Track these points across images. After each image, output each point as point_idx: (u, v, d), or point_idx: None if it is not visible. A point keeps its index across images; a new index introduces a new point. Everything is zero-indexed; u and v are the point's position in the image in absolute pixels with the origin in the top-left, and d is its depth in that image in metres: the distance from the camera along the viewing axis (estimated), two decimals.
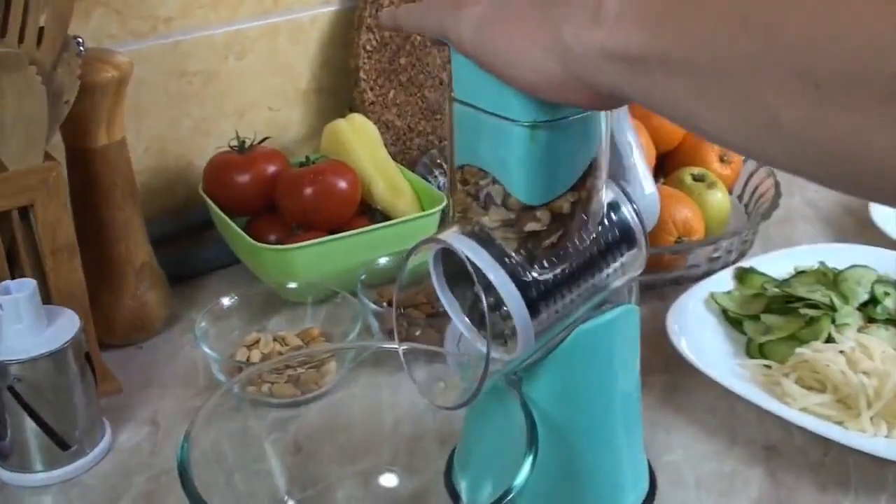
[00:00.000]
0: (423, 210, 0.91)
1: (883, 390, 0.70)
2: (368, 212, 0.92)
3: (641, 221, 0.59)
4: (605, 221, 0.57)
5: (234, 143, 0.92)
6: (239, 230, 0.85)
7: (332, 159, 0.90)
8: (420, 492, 0.66)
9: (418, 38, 1.04)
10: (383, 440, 0.67)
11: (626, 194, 0.58)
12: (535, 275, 0.54)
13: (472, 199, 0.56)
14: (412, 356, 0.60)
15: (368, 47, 1.01)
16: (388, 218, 0.90)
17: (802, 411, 0.71)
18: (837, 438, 0.67)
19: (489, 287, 0.53)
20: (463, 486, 0.64)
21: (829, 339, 0.77)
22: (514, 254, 0.54)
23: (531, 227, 0.54)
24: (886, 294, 0.82)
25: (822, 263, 0.87)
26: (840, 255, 0.88)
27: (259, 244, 0.83)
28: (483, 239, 0.54)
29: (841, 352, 0.74)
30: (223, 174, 0.90)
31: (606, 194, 0.57)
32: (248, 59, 0.99)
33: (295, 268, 0.83)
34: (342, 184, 0.88)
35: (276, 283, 0.83)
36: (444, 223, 0.81)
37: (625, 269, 0.58)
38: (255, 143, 0.93)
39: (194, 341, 0.77)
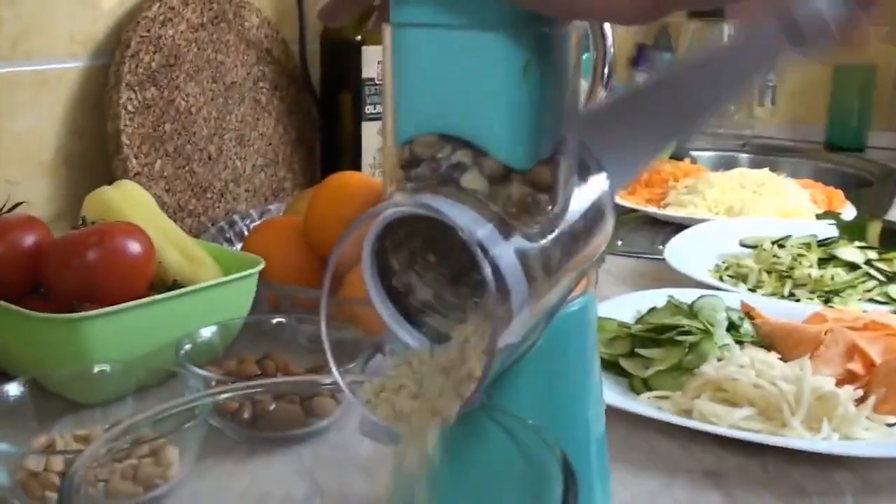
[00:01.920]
0: None
1: (802, 395, 0.65)
2: (161, 289, 0.74)
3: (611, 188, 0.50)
4: (577, 188, 0.48)
5: None
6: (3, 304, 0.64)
7: (116, 221, 0.72)
8: None
9: (183, 101, 0.90)
10: None
11: (592, 156, 0.49)
12: (528, 243, 0.42)
13: (427, 181, 0.44)
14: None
15: (130, 108, 0.85)
16: None
17: (731, 428, 0.64)
18: (790, 445, 0.61)
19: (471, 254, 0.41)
20: None
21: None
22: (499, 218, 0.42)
23: (517, 192, 0.42)
24: (741, 318, 0.80)
25: (671, 297, 0.83)
26: (662, 298, 0.84)
27: (40, 315, 0.62)
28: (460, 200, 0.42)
29: (741, 367, 0.69)
30: None
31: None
32: None
33: (90, 345, 0.63)
34: (134, 247, 0.70)
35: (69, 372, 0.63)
36: None
37: (598, 244, 0.49)
38: (3, 209, 0.72)
39: None
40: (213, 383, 0.64)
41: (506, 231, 0.41)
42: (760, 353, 0.71)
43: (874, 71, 1.89)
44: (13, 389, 0.58)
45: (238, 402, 0.60)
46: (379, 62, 1.02)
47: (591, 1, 0.37)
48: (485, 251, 0.39)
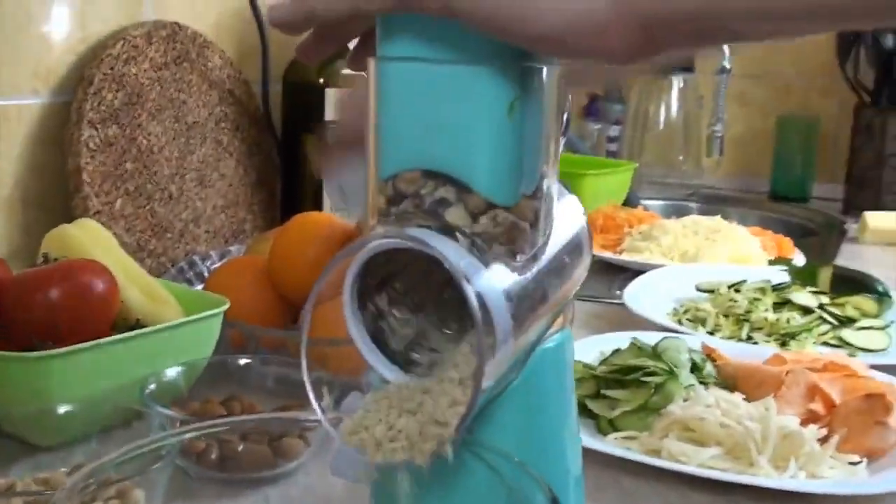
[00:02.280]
0: None
1: (768, 434, 0.66)
2: (123, 328, 0.73)
3: (587, 221, 0.50)
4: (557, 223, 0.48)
5: None
6: None
7: (81, 258, 0.71)
8: None
9: (145, 140, 0.89)
10: None
11: (567, 188, 0.50)
12: (512, 277, 0.43)
13: (411, 216, 0.43)
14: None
15: (91, 145, 0.84)
16: None
17: (700, 467, 0.64)
18: (758, 483, 0.61)
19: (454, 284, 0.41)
20: None
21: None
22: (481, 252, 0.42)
23: (500, 226, 0.43)
24: (703, 360, 0.81)
25: (634, 339, 0.83)
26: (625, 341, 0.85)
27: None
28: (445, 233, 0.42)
29: (707, 406, 0.69)
30: None
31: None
32: None
33: (51, 385, 0.61)
34: (99, 284, 0.68)
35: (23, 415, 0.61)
36: None
37: (576, 278, 0.49)
38: None
39: None
40: (178, 423, 0.63)
41: (490, 264, 0.42)
42: (725, 394, 0.72)
43: (818, 122, 1.94)
44: None
45: (205, 442, 0.59)
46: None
47: (581, 40, 0.38)
48: (470, 283, 0.39)
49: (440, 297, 0.47)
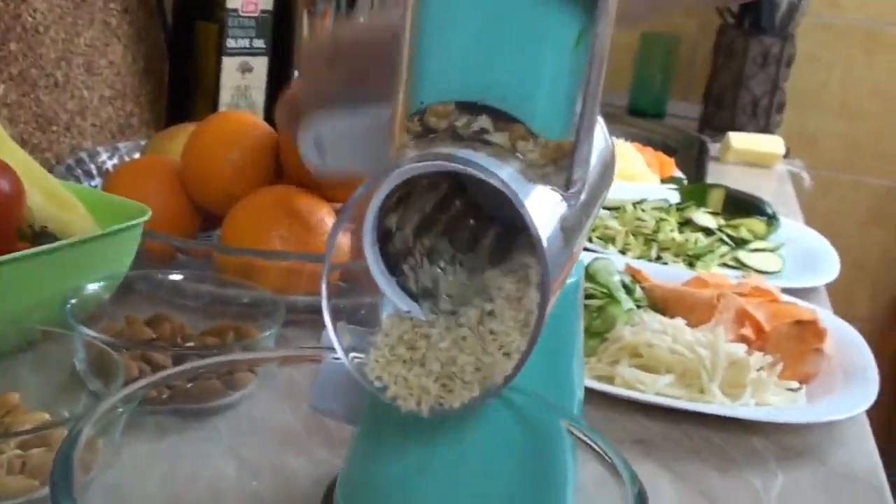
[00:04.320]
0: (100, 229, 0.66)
1: (717, 361, 0.66)
2: (28, 236, 0.64)
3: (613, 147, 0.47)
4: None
5: None
6: None
7: None
8: None
9: (30, 17, 0.78)
10: None
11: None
12: (563, 206, 0.39)
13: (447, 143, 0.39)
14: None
15: None
16: (56, 240, 0.64)
17: (657, 395, 0.64)
18: (723, 413, 0.62)
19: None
20: None
21: None
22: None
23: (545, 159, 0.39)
24: (633, 283, 0.80)
25: None
26: None
27: None
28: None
29: (655, 332, 0.69)
30: None
31: None
32: None
33: None
34: (3, 184, 0.59)
35: None
36: None
37: (604, 199, 0.47)
38: None
39: None
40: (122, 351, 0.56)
41: (544, 192, 0.38)
42: (668, 319, 0.72)
43: (679, 41, 1.98)
44: None
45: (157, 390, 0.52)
46: None
47: None
48: (529, 211, 0.35)
49: (459, 228, 0.43)
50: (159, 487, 0.47)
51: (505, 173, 0.36)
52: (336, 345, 0.40)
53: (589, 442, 0.40)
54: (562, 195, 0.39)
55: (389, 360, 0.39)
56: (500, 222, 0.44)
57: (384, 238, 0.41)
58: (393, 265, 0.42)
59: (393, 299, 0.41)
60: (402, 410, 0.39)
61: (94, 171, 0.84)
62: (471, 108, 0.38)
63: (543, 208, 0.37)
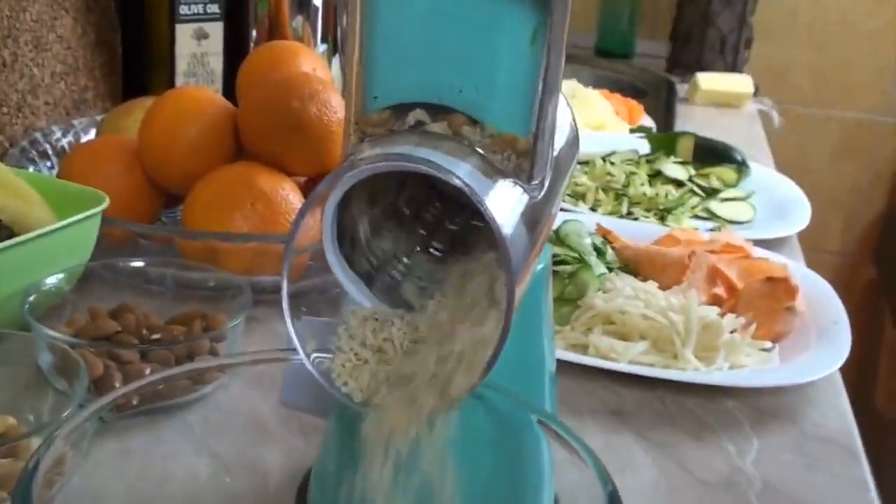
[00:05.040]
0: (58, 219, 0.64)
1: (690, 325, 0.66)
2: None
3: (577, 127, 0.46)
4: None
5: None
6: None
7: None
8: None
9: None
10: None
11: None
12: (525, 199, 0.38)
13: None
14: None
15: None
16: (11, 234, 0.62)
17: (631, 364, 0.64)
18: (698, 381, 0.62)
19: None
20: None
21: None
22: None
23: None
24: (604, 244, 0.80)
25: None
26: None
27: None
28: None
29: (627, 298, 0.68)
30: None
31: None
32: None
33: None
34: None
35: None
36: None
37: (571, 174, 0.46)
38: None
39: None
40: (81, 349, 0.55)
41: (504, 186, 0.37)
42: (640, 283, 0.71)
43: None
44: None
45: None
46: None
47: None
48: (482, 203, 0.34)
49: (436, 218, 0.42)
50: (129, 490, 0.47)
51: (463, 171, 0.35)
52: (298, 348, 0.39)
53: (563, 436, 0.40)
54: (524, 188, 0.38)
55: (356, 365, 0.39)
56: (466, 209, 0.43)
57: (346, 231, 0.40)
58: (356, 262, 0.41)
59: (357, 298, 0.40)
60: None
61: (50, 151, 0.81)
62: (419, 107, 0.37)
63: (505, 204, 0.36)
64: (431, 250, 0.42)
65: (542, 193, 0.39)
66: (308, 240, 0.39)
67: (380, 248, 0.41)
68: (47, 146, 0.81)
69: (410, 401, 0.37)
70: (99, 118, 0.85)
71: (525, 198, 0.38)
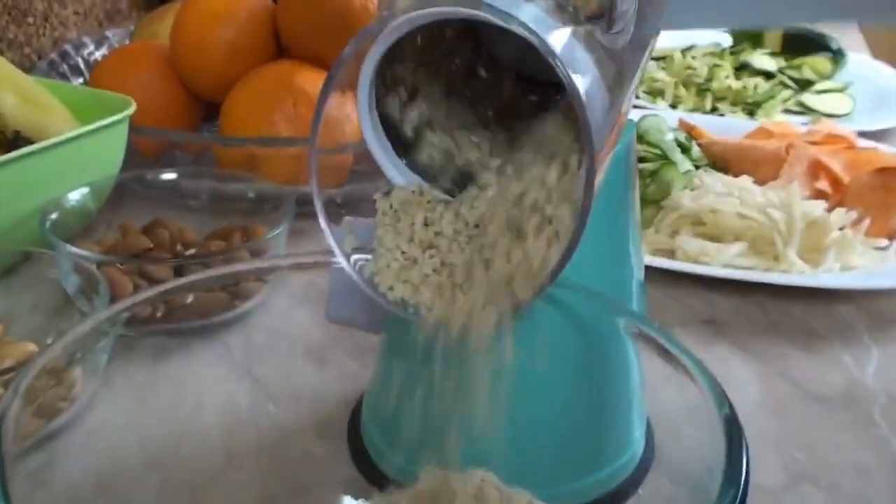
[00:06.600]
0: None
1: (793, 223, 0.58)
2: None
3: None
4: None
5: None
6: None
7: None
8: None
9: None
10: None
11: None
12: (603, 45, 0.30)
13: None
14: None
15: None
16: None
17: (726, 268, 0.56)
18: (802, 283, 0.53)
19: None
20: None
21: None
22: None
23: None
24: (689, 140, 0.71)
25: None
26: None
27: None
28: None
29: (719, 195, 0.60)
30: None
31: None
32: None
33: None
34: None
35: None
36: None
37: (652, 48, 0.38)
38: None
39: None
40: (96, 265, 0.49)
41: (580, 36, 0.29)
42: (732, 179, 0.63)
43: None
44: None
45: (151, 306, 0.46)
46: None
47: None
48: (552, 54, 0.27)
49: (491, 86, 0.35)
50: (158, 422, 0.41)
51: (527, 14, 0.28)
52: (336, 249, 0.32)
53: (668, 347, 0.32)
54: (602, 38, 0.30)
55: (403, 265, 0.32)
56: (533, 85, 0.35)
57: (386, 113, 0.33)
58: (400, 141, 0.34)
59: (393, 175, 0.33)
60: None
61: (82, 66, 0.76)
62: None
63: (579, 56, 0.28)
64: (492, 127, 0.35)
65: (626, 44, 0.32)
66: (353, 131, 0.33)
67: (427, 125, 0.34)
68: (79, 59, 0.76)
69: (480, 303, 0.30)
70: (134, 28, 0.79)
71: (604, 50, 0.30)
